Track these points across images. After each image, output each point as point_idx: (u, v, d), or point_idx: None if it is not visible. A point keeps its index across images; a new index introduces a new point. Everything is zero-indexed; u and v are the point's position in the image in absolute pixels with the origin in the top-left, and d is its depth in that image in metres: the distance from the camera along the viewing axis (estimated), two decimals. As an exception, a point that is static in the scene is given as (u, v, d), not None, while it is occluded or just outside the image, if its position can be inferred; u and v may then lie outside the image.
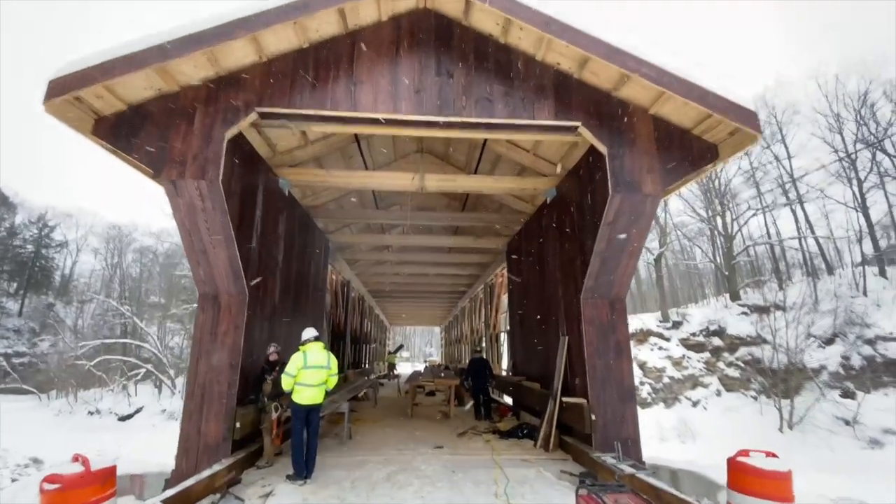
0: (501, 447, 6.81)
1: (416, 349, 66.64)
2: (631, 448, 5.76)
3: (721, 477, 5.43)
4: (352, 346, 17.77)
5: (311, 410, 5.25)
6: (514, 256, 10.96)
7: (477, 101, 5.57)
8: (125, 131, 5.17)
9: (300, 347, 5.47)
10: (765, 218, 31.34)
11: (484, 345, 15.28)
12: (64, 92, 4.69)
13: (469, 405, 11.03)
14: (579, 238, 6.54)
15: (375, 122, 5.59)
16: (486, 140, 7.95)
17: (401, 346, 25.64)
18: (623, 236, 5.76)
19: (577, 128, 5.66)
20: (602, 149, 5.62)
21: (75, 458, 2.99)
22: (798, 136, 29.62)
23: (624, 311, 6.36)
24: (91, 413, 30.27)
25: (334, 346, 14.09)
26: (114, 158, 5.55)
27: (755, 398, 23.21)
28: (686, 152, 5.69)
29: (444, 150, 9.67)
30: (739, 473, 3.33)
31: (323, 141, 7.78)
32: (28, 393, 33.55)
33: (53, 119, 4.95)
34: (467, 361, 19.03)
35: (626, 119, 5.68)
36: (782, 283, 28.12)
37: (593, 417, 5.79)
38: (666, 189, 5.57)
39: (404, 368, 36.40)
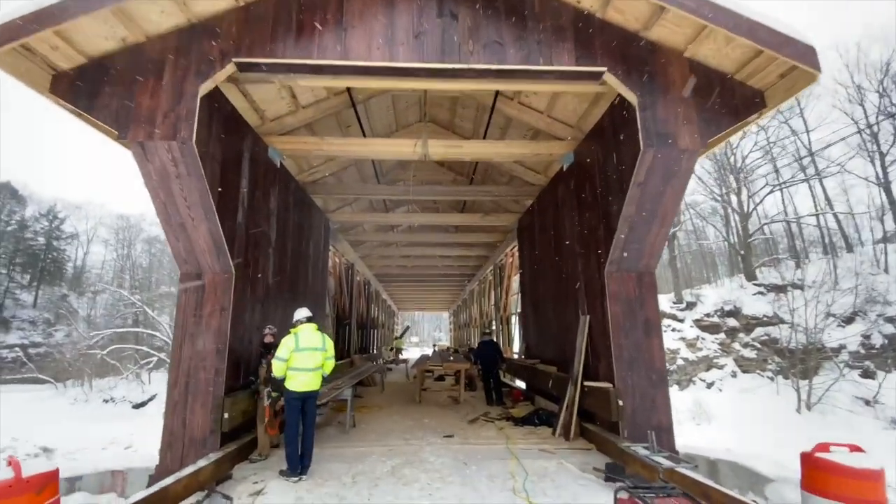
0: (516, 435, 6.26)
1: (426, 334, 66.62)
2: (663, 437, 5.16)
3: (765, 467, 4.83)
4: (358, 332, 17.35)
5: (307, 398, 4.71)
6: (525, 233, 10.28)
7: (485, 45, 4.83)
8: (86, 88, 4.54)
9: (291, 329, 4.91)
10: (782, 195, 30.11)
11: (494, 327, 14.71)
12: (10, 40, 4.06)
13: (478, 389, 10.55)
14: (602, 205, 5.84)
15: (370, 73, 4.89)
16: (495, 101, 7.21)
17: (407, 329, 25.22)
18: (653, 200, 5.06)
19: (601, 74, 4.91)
20: (631, 98, 4.88)
21: (8, 462, 2.47)
22: (818, 108, 28.19)
23: (653, 284, 5.69)
24: (106, 401, 30.54)
25: (339, 331, 13.63)
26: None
27: (772, 379, 22.54)
28: (727, 101, 4.92)
29: (450, 118, 8.93)
30: (819, 472, 2.71)
31: (315, 106, 7.09)
32: (44, 382, 34.03)
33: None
34: (476, 344, 18.61)
35: (657, 64, 4.91)
36: (800, 262, 27.15)
37: (620, 403, 5.18)
38: (705, 143, 4.83)
39: (413, 353, 36.22)
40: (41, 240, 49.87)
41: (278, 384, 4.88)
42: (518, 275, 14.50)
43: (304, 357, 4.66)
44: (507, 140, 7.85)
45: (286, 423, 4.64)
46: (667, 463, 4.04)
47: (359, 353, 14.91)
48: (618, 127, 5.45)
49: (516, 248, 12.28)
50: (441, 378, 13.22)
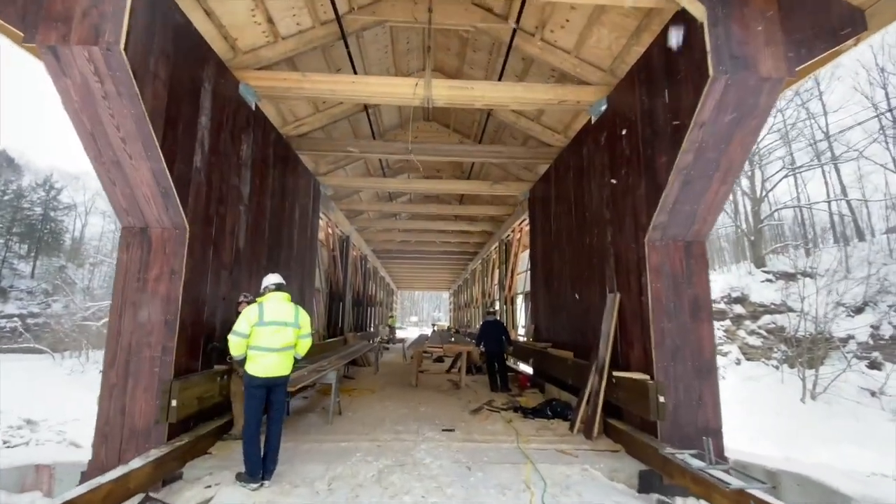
0: (528, 430, 5.34)
1: (425, 314, 66.18)
2: (712, 441, 4.24)
3: (842, 483, 3.89)
4: (354, 309, 16.47)
5: (274, 386, 3.75)
6: (538, 204, 9.19)
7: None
8: (-19, -26, 3.41)
9: (257, 299, 3.91)
10: (795, 180, 28.75)
11: (497, 307, 13.77)
12: None
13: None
14: (646, 158, 4.75)
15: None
16: (512, 39, 6.02)
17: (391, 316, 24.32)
18: (717, 146, 3.97)
19: (661, -23, 3.75)
20: (698, 11, 3.74)
21: None
22: (838, 90, 26.59)
23: (704, 256, 4.66)
24: (101, 372, 30.13)
25: (332, 307, 12.72)
26: None
27: (776, 367, 21.87)
28: (821, 18, 3.78)
29: (458, 65, 7.75)
30: None
31: (298, 37, 5.92)
32: (42, 352, 33.62)
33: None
34: (479, 325, 17.68)
35: (733, -32, 3.75)
36: (811, 250, 26.13)
37: (661, 399, 4.22)
38: (793, 72, 3.71)
39: (411, 332, 35.51)
40: (38, 210, 48.83)
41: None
42: (527, 251, 13.47)
43: (268, 333, 3.68)
44: (526, 83, 6.66)
45: (245, 415, 3.69)
46: (735, 482, 3.09)
47: (353, 331, 14.05)
48: (672, 58, 4.31)
49: (526, 223, 11.22)
50: (440, 360, 12.37)
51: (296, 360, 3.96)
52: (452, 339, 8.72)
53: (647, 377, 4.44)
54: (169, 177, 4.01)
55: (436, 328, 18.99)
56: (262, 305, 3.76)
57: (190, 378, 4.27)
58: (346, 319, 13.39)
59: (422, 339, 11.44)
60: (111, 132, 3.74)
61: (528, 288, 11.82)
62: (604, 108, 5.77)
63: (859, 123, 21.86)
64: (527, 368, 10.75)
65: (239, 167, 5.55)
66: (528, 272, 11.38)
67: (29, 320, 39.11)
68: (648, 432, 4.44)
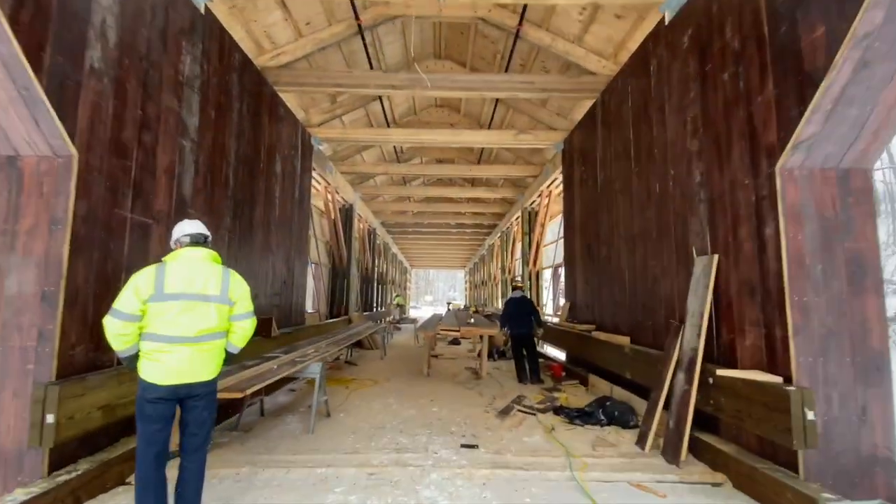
0: (579, 445, 3.87)
1: (440, 293, 65.15)
2: (878, 479, 2.71)
3: None
4: (362, 287, 15.17)
5: (188, 399, 2.31)
6: (577, 155, 7.50)
7: None
8: None
9: (163, 258, 2.45)
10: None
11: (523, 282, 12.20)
12: None
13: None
14: (779, 39, 3.04)
15: None
16: None
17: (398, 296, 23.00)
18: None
19: None
20: None
21: None
22: None
23: (870, 192, 2.99)
24: None
25: (335, 284, 11.39)
26: None
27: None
28: None
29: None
30: None
31: None
32: None
33: None
34: (503, 302, 16.01)
35: None
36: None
37: (810, 415, 2.66)
38: None
39: (425, 312, 34.28)
40: None
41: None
42: (556, 219, 11.79)
43: (174, 313, 2.23)
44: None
45: (137, 449, 2.26)
46: None
47: (360, 311, 12.75)
48: None
49: (557, 183, 9.54)
50: (456, 342, 10.99)
51: (229, 356, 2.52)
52: (471, 319, 7.24)
53: (779, 380, 2.88)
54: (28, 70, 2.53)
55: (451, 307, 17.62)
56: (164, 268, 2.30)
57: (87, 379, 2.88)
58: (352, 298, 12.06)
59: (435, 319, 10.03)
60: None
61: (556, 261, 10.23)
62: (688, -6, 4.03)
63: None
64: (555, 352, 9.28)
65: (178, 86, 4.04)
66: (557, 243, 9.77)
67: None
68: (776, 460, 2.92)
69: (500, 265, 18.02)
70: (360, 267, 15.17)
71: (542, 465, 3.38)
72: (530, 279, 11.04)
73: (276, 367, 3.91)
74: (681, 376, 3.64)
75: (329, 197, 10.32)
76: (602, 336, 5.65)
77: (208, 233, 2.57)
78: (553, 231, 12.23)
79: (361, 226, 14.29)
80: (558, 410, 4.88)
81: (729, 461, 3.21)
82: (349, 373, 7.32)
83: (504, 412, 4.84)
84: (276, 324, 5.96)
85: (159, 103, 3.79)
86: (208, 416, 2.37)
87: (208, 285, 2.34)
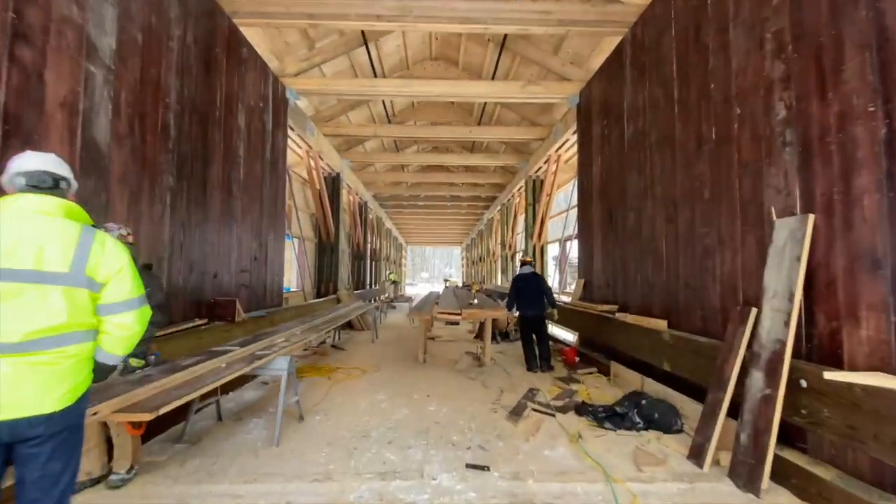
0: (615, 459, 3.03)
1: (436, 270, 64.45)
2: None
3: None
4: (354, 263, 14.24)
5: (17, 446, 1.38)
6: (596, 106, 6.45)
7: None
8: None
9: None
10: None
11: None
12: None
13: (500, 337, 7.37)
14: None
15: None
16: None
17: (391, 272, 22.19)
18: None
19: None
20: None
21: None
22: None
23: None
24: None
25: (323, 260, 10.43)
26: None
27: None
28: None
29: None
30: None
31: None
32: None
33: None
34: (504, 280, 15.11)
35: None
36: None
37: None
38: None
39: (421, 289, 33.52)
40: None
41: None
42: (569, 185, 10.83)
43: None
44: None
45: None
46: None
47: (351, 289, 11.85)
48: None
49: (567, 146, 8.51)
50: (454, 321, 10.14)
51: (100, 368, 1.58)
52: (474, 300, 6.33)
53: (931, 389, 2.00)
54: None
55: (448, 284, 16.79)
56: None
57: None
58: (341, 275, 11.14)
59: (431, 298, 9.13)
60: None
61: (564, 235, 9.31)
62: None
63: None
64: (562, 333, 8.48)
65: (79, -10, 2.95)
66: (567, 214, 8.82)
67: None
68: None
69: (499, 240, 17.10)
70: (350, 242, 14.20)
71: (576, 497, 2.53)
72: (534, 254, 10.13)
73: (224, 365, 3.00)
74: (757, 376, 2.76)
75: (312, 163, 9.22)
76: (630, 319, 4.77)
77: (64, 173, 1.58)
78: (559, 202, 11.25)
79: (351, 198, 13.23)
80: (581, 409, 4.04)
81: (831, 492, 2.37)
82: (335, 359, 6.46)
83: (516, 412, 4.00)
84: (243, 306, 5.04)
85: (47, 8, 2.72)
86: (61, 468, 1.44)
87: (47, 256, 1.38)
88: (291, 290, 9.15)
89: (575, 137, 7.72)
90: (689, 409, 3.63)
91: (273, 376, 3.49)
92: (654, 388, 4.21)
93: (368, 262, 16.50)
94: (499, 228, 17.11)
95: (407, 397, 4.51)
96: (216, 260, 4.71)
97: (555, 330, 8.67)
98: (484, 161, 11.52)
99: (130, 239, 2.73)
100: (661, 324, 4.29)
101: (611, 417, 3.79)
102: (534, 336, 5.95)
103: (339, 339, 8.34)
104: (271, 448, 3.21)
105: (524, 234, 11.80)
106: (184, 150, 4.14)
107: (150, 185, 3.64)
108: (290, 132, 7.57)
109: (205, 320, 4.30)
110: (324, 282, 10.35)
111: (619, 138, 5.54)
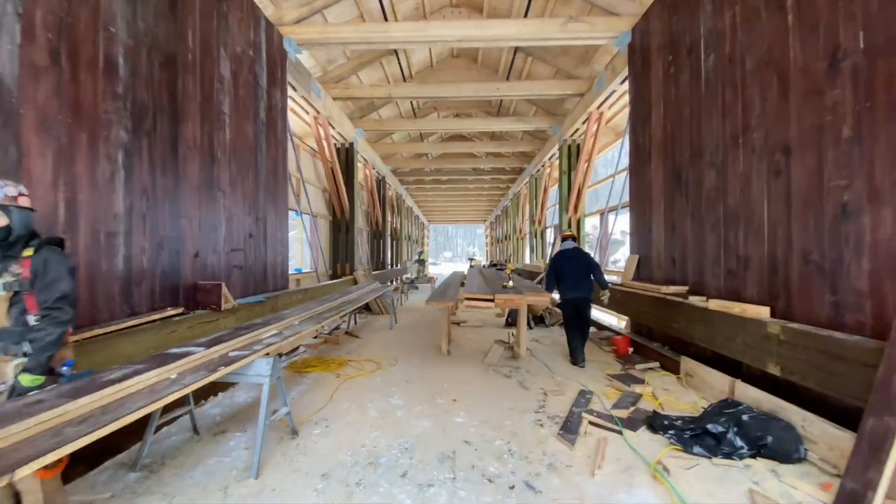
0: (728, 513, 2.08)
1: (458, 249, 63.56)
2: None
3: None
4: (373, 243, 13.47)
5: None
6: (660, 40, 5.21)
7: None
8: None
9: None
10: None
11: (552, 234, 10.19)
12: None
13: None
14: None
15: None
16: None
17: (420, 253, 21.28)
18: None
19: None
20: None
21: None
22: None
23: None
24: None
25: (337, 238, 9.67)
26: None
27: None
28: None
29: None
30: None
31: None
32: None
33: None
34: (530, 259, 13.97)
35: None
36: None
37: None
38: None
39: (444, 269, 32.67)
40: None
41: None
42: (611, 148, 9.61)
43: None
44: None
45: None
46: None
47: (370, 269, 11.09)
48: None
49: (616, 97, 7.28)
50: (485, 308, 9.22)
51: None
52: (509, 282, 5.28)
53: None
54: None
55: (473, 264, 15.87)
56: None
57: None
58: (358, 255, 10.37)
59: (455, 280, 8.23)
60: None
61: (606, 206, 8.14)
62: None
63: None
64: (602, 314, 7.45)
65: None
66: (613, 181, 7.64)
67: None
68: None
69: (527, 216, 15.94)
70: (369, 220, 13.39)
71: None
72: (569, 228, 9.03)
73: (174, 376, 2.20)
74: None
75: (321, 132, 8.33)
76: (713, 305, 3.72)
77: None
78: (597, 170, 10.01)
79: (368, 172, 12.33)
80: (655, 422, 3.09)
81: None
82: (347, 350, 5.70)
83: (570, 427, 3.08)
84: (237, 290, 4.27)
85: None
86: None
87: None
88: (303, 271, 8.43)
89: (624, 87, 6.50)
90: (816, 429, 2.62)
91: (253, 380, 2.70)
92: (751, 396, 3.19)
93: (389, 241, 15.72)
94: (526, 204, 15.92)
95: (428, 402, 3.67)
96: (197, 237, 3.92)
97: (594, 313, 7.65)
98: (512, 126, 10.32)
99: (24, 201, 1.90)
100: (761, 311, 3.24)
101: (700, 438, 2.82)
102: (579, 322, 4.97)
103: (356, 324, 7.60)
104: (248, 480, 2.43)
105: (558, 207, 10.65)
106: (141, 98, 3.29)
107: (90, 140, 2.81)
108: (292, 93, 6.67)
109: (180, 309, 3.53)
110: (340, 262, 9.61)
111: (692, 77, 4.35)
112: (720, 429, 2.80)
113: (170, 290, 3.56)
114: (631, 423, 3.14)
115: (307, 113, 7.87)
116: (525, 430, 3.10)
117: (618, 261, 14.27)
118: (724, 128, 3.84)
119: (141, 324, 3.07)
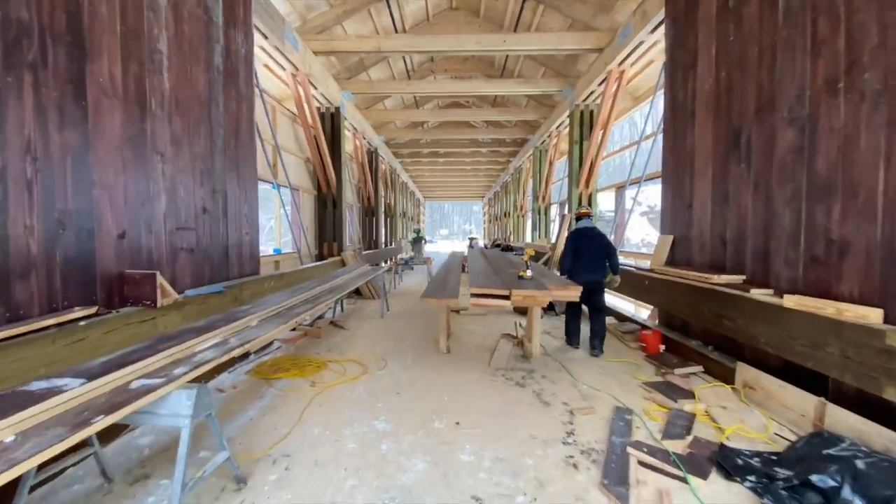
0: None
1: (455, 227, 62.53)
2: None
3: None
4: (365, 220, 12.54)
5: None
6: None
7: None
8: None
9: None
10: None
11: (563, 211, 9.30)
12: None
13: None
14: None
15: None
16: None
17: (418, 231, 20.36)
18: None
19: None
20: None
21: None
22: None
23: None
24: None
25: (323, 215, 8.74)
26: None
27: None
28: None
29: None
30: None
31: None
32: None
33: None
34: (531, 237, 12.99)
35: None
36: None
37: None
38: None
39: (441, 247, 31.75)
40: None
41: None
42: (627, 114, 8.65)
43: None
44: None
45: None
46: None
47: (357, 250, 10.20)
48: None
49: (643, 50, 6.26)
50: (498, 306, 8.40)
51: None
52: (527, 271, 4.37)
53: None
54: None
55: (474, 244, 14.98)
56: None
57: None
58: (347, 233, 9.46)
59: (455, 264, 7.36)
60: None
61: (630, 178, 7.22)
62: None
63: None
64: (616, 300, 6.67)
65: None
66: (639, 147, 6.70)
67: None
68: None
69: (528, 192, 14.97)
70: (360, 196, 12.41)
71: None
72: (586, 205, 8.13)
73: (10, 439, 1.33)
74: None
75: (302, 92, 7.25)
76: (791, 302, 2.89)
77: None
78: (613, 139, 9.05)
79: (358, 142, 11.25)
80: (727, 463, 2.31)
81: None
82: (328, 345, 4.88)
83: (614, 472, 2.29)
84: (188, 279, 3.39)
85: None
86: None
87: None
88: (282, 252, 7.54)
89: (655, 36, 5.50)
90: (975, 490, 1.83)
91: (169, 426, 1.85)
92: (849, 425, 2.41)
93: (382, 218, 14.77)
94: (528, 179, 14.93)
95: (423, 428, 2.86)
96: (121, 211, 3.01)
97: (611, 299, 6.85)
98: (517, 88, 9.23)
99: None
100: (869, 314, 2.42)
101: (798, 492, 2.04)
102: (592, 308, 4.20)
103: (342, 311, 6.78)
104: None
105: (566, 181, 9.71)
106: (18, 14, 2.31)
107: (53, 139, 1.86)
108: (262, 42, 5.61)
109: (94, 309, 2.66)
110: (326, 241, 8.72)
111: (762, 6, 3.39)
112: (831, 483, 2.01)
113: (79, 282, 2.68)
114: (695, 464, 2.35)
115: (283, 69, 6.79)
116: (554, 474, 2.31)
117: (630, 240, 13.45)
118: (813, 70, 2.91)
119: (23, 333, 2.20)
